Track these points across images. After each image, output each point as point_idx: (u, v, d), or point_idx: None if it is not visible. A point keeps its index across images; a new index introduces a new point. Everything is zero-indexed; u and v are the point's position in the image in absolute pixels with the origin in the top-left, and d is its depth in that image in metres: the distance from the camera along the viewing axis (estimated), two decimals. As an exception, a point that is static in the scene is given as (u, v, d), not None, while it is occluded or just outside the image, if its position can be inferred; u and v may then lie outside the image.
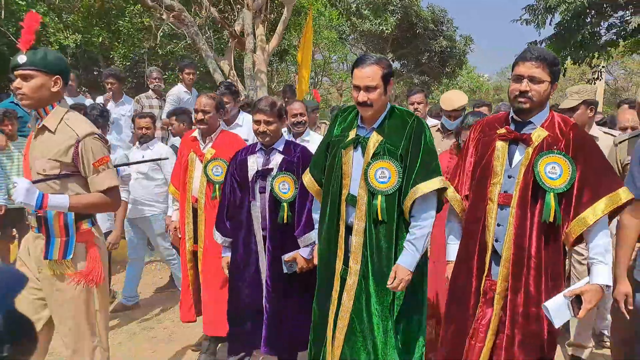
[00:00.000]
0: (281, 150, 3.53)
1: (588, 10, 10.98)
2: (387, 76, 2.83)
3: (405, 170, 2.82)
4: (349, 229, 2.92)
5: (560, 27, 11.73)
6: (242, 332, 3.57)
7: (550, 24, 11.78)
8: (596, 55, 12.12)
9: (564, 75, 16.06)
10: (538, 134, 2.56)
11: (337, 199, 2.94)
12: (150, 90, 6.98)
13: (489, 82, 37.64)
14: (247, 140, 4.65)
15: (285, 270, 3.34)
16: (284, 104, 3.69)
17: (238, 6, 11.07)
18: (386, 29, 21.22)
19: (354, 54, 25.62)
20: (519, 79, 2.54)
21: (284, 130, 4.76)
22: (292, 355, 3.59)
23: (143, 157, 4.87)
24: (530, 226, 2.52)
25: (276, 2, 11.83)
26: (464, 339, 2.69)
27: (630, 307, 2.70)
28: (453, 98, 4.65)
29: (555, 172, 2.50)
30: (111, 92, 6.83)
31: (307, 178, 3.16)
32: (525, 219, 2.53)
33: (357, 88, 2.80)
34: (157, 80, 6.94)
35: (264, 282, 3.51)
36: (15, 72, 2.71)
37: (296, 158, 3.49)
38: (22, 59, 2.67)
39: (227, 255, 3.63)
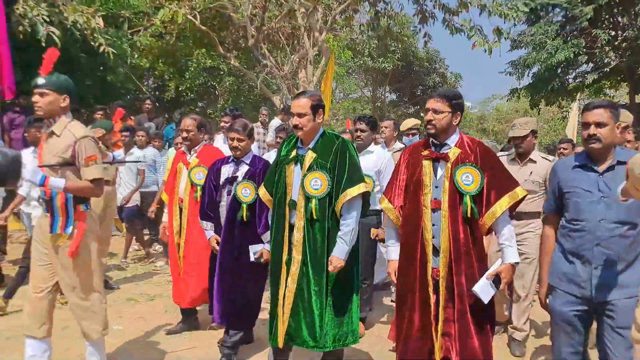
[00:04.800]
0: (248, 162, 4.08)
1: (556, 67, 14.31)
2: (315, 107, 3.35)
3: (334, 180, 3.31)
4: (291, 227, 3.40)
5: (536, 78, 15.07)
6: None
7: (528, 76, 15.15)
8: (563, 99, 15.39)
9: (538, 113, 19.37)
10: (453, 152, 3.01)
11: (282, 203, 3.43)
12: (258, 122, 9.13)
13: (473, 112, 39.21)
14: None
15: (252, 259, 3.87)
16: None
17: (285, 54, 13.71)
18: (387, 66, 23.15)
19: (358, 87, 28.48)
20: (426, 111, 3.05)
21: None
22: (242, 325, 4.06)
23: None
24: (458, 222, 2.96)
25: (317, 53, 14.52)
26: (413, 317, 3.05)
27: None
28: (407, 122, 6.01)
29: (469, 179, 2.95)
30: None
31: (262, 191, 3.64)
32: (454, 218, 2.96)
33: (292, 114, 3.39)
34: (264, 115, 9.55)
35: (218, 259, 4.06)
36: (35, 90, 3.25)
37: (258, 170, 4.02)
38: (40, 80, 3.24)
39: (212, 235, 4.19)
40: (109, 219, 6.11)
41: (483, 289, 2.90)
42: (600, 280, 2.74)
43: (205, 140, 4.78)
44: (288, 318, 3.36)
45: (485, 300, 2.90)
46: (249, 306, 4.05)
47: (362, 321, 4.42)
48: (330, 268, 3.28)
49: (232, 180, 4.04)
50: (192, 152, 4.65)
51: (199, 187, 4.43)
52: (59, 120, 3.30)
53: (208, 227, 4.21)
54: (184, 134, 4.57)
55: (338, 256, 3.27)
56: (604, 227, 2.73)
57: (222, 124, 6.57)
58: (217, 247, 4.07)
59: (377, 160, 4.62)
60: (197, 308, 4.77)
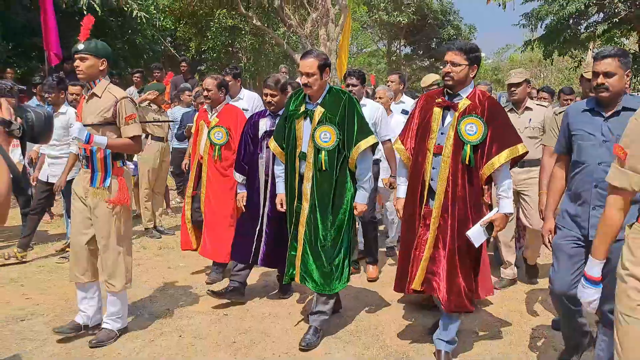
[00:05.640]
0: None
1: (568, 19, 14.67)
2: (322, 66, 3.46)
3: (344, 133, 3.45)
4: (301, 177, 3.57)
5: (549, 29, 15.45)
6: (242, 242, 4.24)
7: (540, 27, 15.53)
8: (576, 49, 15.78)
9: (552, 63, 19.69)
10: (463, 102, 3.11)
11: (293, 156, 3.59)
12: None
13: (488, 63, 39.18)
14: (246, 110, 5.33)
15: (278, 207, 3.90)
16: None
17: (306, 12, 14.15)
18: (402, 20, 23.33)
19: (374, 42, 28.66)
20: (444, 63, 3.13)
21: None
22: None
23: None
24: (457, 169, 3.07)
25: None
26: (410, 248, 3.25)
27: (551, 241, 3.07)
28: (427, 78, 6.16)
29: (473, 130, 3.05)
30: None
31: (273, 144, 3.76)
32: (454, 164, 3.08)
33: (301, 74, 3.48)
34: (284, 72, 10.31)
35: (265, 213, 4.18)
36: (75, 55, 3.41)
37: None
38: (80, 46, 3.41)
39: (243, 191, 4.30)
40: (164, 173, 6.70)
41: (475, 234, 3.07)
42: (596, 220, 2.73)
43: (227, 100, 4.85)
44: (300, 257, 3.59)
45: (477, 244, 3.08)
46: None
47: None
48: (356, 213, 3.56)
49: (270, 133, 4.08)
50: (213, 111, 4.75)
51: (217, 147, 4.59)
52: (100, 83, 3.50)
53: (240, 180, 4.31)
54: (205, 93, 4.69)
55: (361, 202, 3.56)
56: (603, 170, 2.75)
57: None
58: (243, 205, 4.27)
59: (371, 113, 4.64)
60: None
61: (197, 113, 5.49)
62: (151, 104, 6.41)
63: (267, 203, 4.17)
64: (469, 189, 3.11)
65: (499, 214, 3.13)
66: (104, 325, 3.64)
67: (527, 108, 4.53)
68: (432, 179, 3.16)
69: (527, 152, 3.17)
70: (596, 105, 2.91)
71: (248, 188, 4.29)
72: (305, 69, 3.46)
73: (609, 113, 2.85)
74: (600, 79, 2.80)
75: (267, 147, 4.06)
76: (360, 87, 4.92)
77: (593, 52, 12.34)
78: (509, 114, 4.30)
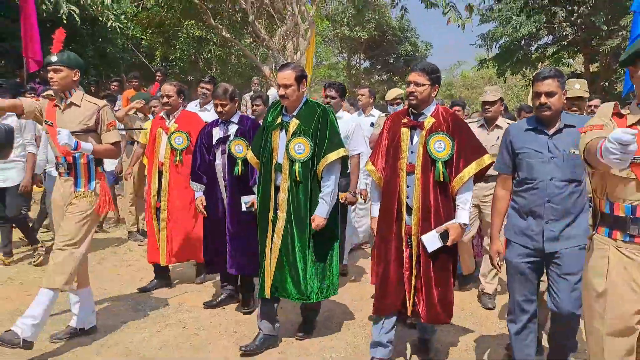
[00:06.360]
0: (236, 122, 4.24)
1: (521, 40, 15.72)
2: (299, 78, 3.50)
3: (316, 145, 3.48)
4: (277, 188, 3.59)
5: (503, 49, 16.48)
6: (211, 252, 4.36)
7: (495, 47, 16.53)
8: (527, 69, 16.85)
9: (504, 82, 20.82)
10: (428, 121, 3.20)
11: (269, 166, 3.61)
12: (252, 92, 10.25)
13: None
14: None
15: (244, 209, 3.98)
16: (235, 89, 4.27)
17: (275, 26, 14.50)
18: (362, 35, 23.96)
19: (334, 55, 29.22)
20: (408, 84, 3.22)
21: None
22: (256, 271, 3.95)
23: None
24: (429, 185, 3.18)
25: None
26: (389, 268, 3.27)
27: (501, 263, 3.19)
28: (392, 92, 6.21)
29: (441, 147, 3.15)
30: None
31: (249, 154, 3.82)
32: (426, 180, 3.18)
33: (279, 85, 3.51)
34: (256, 84, 10.75)
35: (227, 218, 4.21)
36: (49, 67, 3.46)
37: (248, 127, 4.19)
38: (53, 58, 3.45)
39: (200, 196, 4.35)
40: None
41: (429, 239, 3.16)
42: (550, 233, 2.90)
43: (183, 107, 4.95)
44: (274, 271, 3.58)
45: (429, 250, 3.16)
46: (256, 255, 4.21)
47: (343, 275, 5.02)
48: (313, 226, 3.52)
49: (224, 139, 4.19)
50: (170, 118, 4.77)
51: (178, 152, 4.63)
52: (75, 93, 3.57)
53: (197, 188, 4.37)
54: (165, 99, 4.69)
55: (320, 215, 3.53)
56: (554, 185, 2.88)
57: (199, 90, 6.27)
58: (203, 209, 4.30)
59: (345, 126, 4.61)
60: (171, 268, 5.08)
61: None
62: (137, 112, 6.68)
63: (228, 207, 4.23)
64: (443, 203, 3.20)
65: (454, 224, 3.20)
66: (15, 327, 3.31)
67: (497, 126, 4.61)
68: (407, 197, 3.24)
69: (493, 162, 3.25)
70: (538, 124, 2.99)
71: (208, 194, 4.32)
72: (282, 80, 3.49)
73: (553, 131, 2.95)
74: (543, 99, 2.90)
75: (222, 153, 4.20)
76: (339, 100, 5.05)
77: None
78: (479, 129, 4.58)
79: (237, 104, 4.38)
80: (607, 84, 15.65)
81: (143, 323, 4.15)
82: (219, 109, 4.20)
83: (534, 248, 2.96)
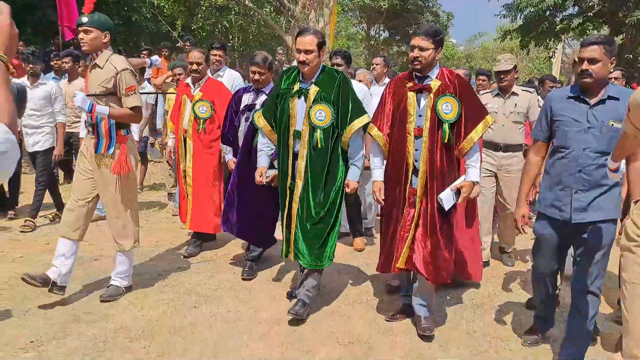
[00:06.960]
0: (267, 92, 4.22)
1: (546, 11, 15.52)
2: (321, 44, 3.44)
3: (339, 112, 3.46)
4: (295, 155, 3.56)
5: (527, 20, 16.28)
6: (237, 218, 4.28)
7: (520, 18, 16.33)
8: (551, 40, 16.64)
9: (527, 54, 20.56)
10: (435, 83, 3.21)
11: (286, 134, 3.57)
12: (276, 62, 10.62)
13: (460, 50, 39.83)
14: None
15: (264, 182, 3.77)
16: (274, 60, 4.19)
17: None
18: (383, 5, 23.60)
19: (354, 25, 28.89)
20: (412, 48, 3.20)
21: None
22: (261, 242, 4.37)
23: None
24: (436, 148, 3.20)
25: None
26: (397, 227, 3.33)
27: (527, 226, 3.23)
28: None
29: (449, 108, 3.17)
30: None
31: (262, 122, 3.71)
32: (433, 143, 3.20)
33: (299, 51, 3.42)
34: (281, 54, 10.85)
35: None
36: (80, 28, 3.50)
37: None
38: (84, 19, 3.50)
39: (231, 158, 4.42)
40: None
41: (446, 197, 3.22)
42: (579, 203, 2.89)
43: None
44: (293, 232, 3.62)
45: (446, 207, 3.22)
46: (267, 225, 4.31)
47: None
48: (347, 190, 3.58)
49: (250, 107, 4.21)
50: (196, 86, 4.72)
51: (202, 120, 4.60)
52: (102, 55, 3.59)
53: (227, 151, 4.47)
54: (194, 66, 4.63)
55: (353, 179, 3.58)
56: (587, 156, 2.85)
57: (212, 57, 5.92)
58: (233, 167, 4.32)
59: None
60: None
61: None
62: (174, 80, 6.79)
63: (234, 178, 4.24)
64: (448, 166, 3.26)
65: (467, 182, 3.28)
66: (112, 282, 3.86)
67: (513, 93, 4.59)
68: (415, 160, 3.27)
69: (494, 121, 3.41)
70: (581, 93, 2.93)
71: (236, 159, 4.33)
72: (305, 45, 3.40)
73: (595, 100, 2.88)
74: (585, 65, 2.84)
75: (246, 120, 4.22)
76: (345, 67, 4.98)
77: (565, 42, 13.04)
78: (495, 98, 4.63)
79: (272, 75, 4.40)
80: (631, 56, 15.43)
81: (196, 269, 4.58)
82: (257, 76, 4.22)
83: (562, 219, 2.96)
